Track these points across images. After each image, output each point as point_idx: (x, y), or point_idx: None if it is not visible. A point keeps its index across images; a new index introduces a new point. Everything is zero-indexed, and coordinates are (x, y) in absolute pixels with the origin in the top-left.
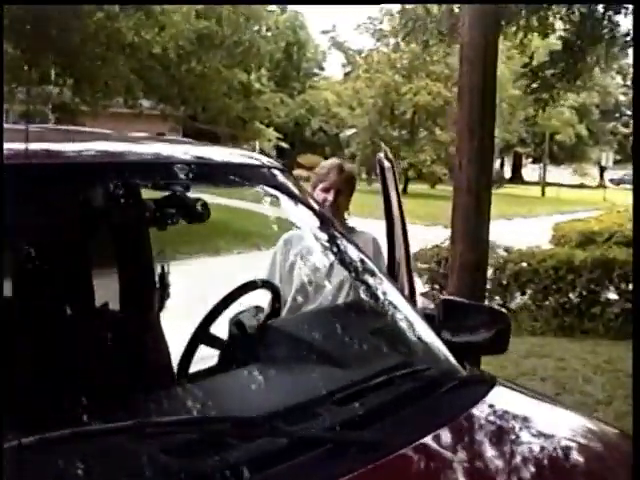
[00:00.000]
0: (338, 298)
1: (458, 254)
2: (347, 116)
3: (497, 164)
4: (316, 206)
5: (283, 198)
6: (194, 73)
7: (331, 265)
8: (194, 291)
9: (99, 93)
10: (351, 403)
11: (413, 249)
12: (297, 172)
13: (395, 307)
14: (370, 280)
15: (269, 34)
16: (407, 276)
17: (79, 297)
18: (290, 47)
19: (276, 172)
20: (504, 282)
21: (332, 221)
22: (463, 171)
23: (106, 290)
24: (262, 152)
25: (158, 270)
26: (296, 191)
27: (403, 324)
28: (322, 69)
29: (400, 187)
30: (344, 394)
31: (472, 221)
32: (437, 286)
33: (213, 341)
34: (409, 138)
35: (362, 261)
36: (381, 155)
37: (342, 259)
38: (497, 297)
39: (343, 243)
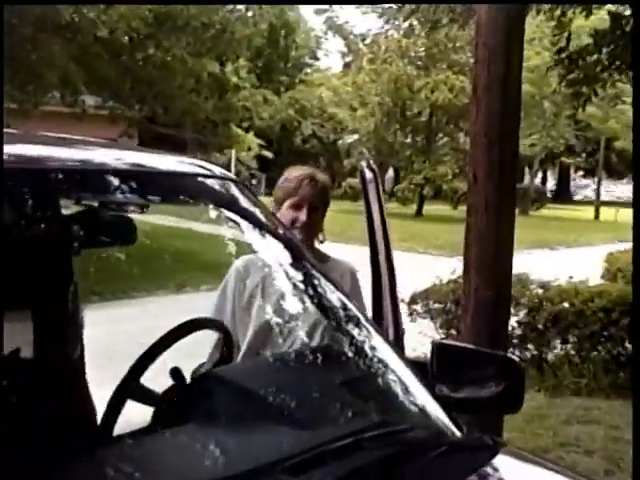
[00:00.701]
0: (309, 342)
1: (473, 289)
2: (347, 118)
3: (538, 179)
4: (280, 228)
5: (238, 217)
6: (152, 63)
7: (301, 301)
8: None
9: (29, 86)
10: (306, 473)
11: (426, 284)
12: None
13: (374, 353)
14: (343, 319)
15: (248, 14)
16: (392, 314)
17: None
18: (275, 31)
19: (230, 185)
20: (539, 326)
21: (300, 247)
22: (479, 186)
23: (16, 333)
24: (239, 162)
25: (84, 309)
26: (255, 209)
27: (383, 374)
28: (316, 59)
29: (412, 208)
30: (298, 461)
31: (490, 248)
32: (454, 331)
33: (144, 395)
34: (425, 146)
35: (336, 296)
36: (363, 164)
37: (313, 293)
38: (530, 346)
39: (314, 274)
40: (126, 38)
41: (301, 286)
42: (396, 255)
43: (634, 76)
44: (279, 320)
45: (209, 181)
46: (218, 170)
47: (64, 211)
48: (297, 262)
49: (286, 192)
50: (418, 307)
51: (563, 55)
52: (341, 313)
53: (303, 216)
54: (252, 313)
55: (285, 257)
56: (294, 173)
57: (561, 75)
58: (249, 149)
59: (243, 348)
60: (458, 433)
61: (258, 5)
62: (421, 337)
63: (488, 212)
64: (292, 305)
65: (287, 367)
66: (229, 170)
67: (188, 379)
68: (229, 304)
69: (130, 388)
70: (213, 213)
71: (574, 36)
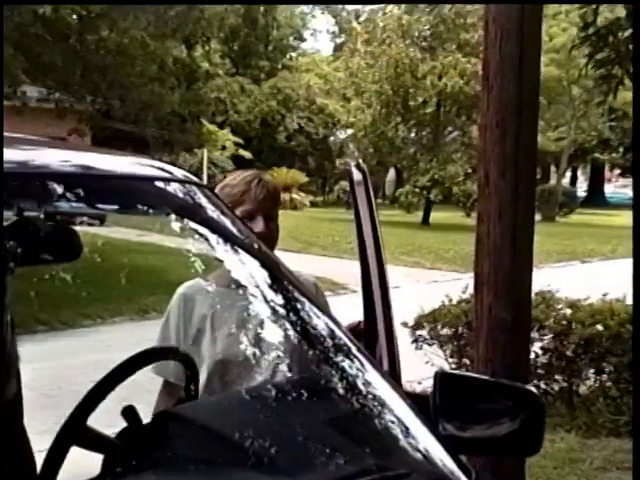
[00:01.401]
0: (283, 376)
1: (486, 310)
2: (339, 110)
3: (566, 179)
4: (254, 240)
5: (204, 229)
6: (105, 47)
7: (274, 328)
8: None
9: None
10: None
11: (434, 304)
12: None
13: (366, 386)
14: (329, 347)
15: None
16: (386, 340)
17: None
18: (253, 8)
19: (194, 190)
20: (569, 353)
21: (278, 262)
22: (491, 188)
23: None
24: (211, 164)
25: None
26: (224, 218)
27: (376, 410)
28: (302, 40)
29: (418, 215)
30: None
31: (506, 262)
32: (467, 360)
33: (92, 440)
34: (431, 142)
35: (320, 320)
36: (351, 164)
37: (293, 317)
38: (558, 376)
39: (294, 294)
40: (74, 17)
41: (278, 309)
42: (399, 271)
43: (634, 76)
44: (239, 355)
45: (171, 186)
46: (180, 173)
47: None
48: (275, 280)
49: (232, 200)
50: (424, 332)
51: (590, 31)
52: (327, 340)
53: (259, 226)
54: (202, 351)
55: (261, 274)
56: (237, 177)
57: (586, 56)
58: (224, 148)
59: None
60: (464, 479)
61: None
62: (428, 367)
63: (502, 219)
64: (261, 335)
65: (263, 403)
66: (200, 173)
67: (144, 419)
68: (173, 342)
69: (75, 432)
70: (177, 224)
71: (604, 8)
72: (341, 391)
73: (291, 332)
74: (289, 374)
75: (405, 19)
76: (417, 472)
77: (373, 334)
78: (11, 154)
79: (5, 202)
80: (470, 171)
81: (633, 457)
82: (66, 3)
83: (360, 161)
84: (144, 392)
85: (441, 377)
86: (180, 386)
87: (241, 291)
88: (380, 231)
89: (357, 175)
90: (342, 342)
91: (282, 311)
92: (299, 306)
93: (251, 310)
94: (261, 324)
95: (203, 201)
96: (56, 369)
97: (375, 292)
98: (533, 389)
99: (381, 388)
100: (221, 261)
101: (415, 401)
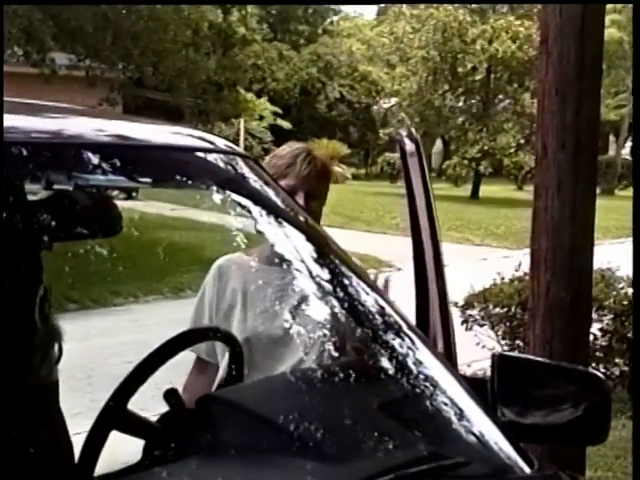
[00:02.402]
0: (318, 356)
1: (543, 289)
2: (383, 78)
3: (626, 149)
4: (302, 214)
5: (248, 201)
6: (137, 12)
7: (314, 307)
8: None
9: None
10: None
11: (484, 283)
12: None
13: (420, 369)
14: (379, 327)
15: None
16: (441, 321)
17: None
18: None
19: (237, 161)
20: (630, 335)
21: (327, 238)
22: (550, 160)
23: None
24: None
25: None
26: (269, 190)
27: (431, 395)
28: (343, 2)
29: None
30: None
31: (565, 238)
32: (520, 342)
33: (132, 424)
34: (481, 111)
35: (370, 297)
36: (402, 133)
37: (341, 294)
38: (618, 360)
39: (342, 270)
40: None
41: (323, 286)
42: (447, 248)
43: (634, 76)
44: (272, 334)
45: (211, 157)
46: (222, 143)
47: (30, 197)
48: (322, 256)
49: (276, 172)
50: (475, 312)
51: None
52: (377, 319)
53: (299, 203)
54: (232, 328)
55: (307, 250)
56: (286, 149)
57: None
58: (261, 118)
59: (220, 373)
60: (527, 468)
61: None
62: (479, 349)
63: (561, 193)
64: (301, 314)
65: (311, 387)
66: (237, 144)
67: (187, 403)
68: (206, 317)
69: (115, 416)
70: (217, 197)
71: None
72: (394, 373)
73: (337, 310)
74: (335, 354)
75: None
76: (476, 460)
77: (425, 314)
78: (41, 123)
79: (34, 174)
80: (522, 142)
81: (633, 457)
82: (67, 3)
83: (412, 129)
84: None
85: (499, 360)
86: (213, 364)
87: (282, 268)
88: (435, 206)
89: (409, 145)
90: (394, 322)
91: (327, 288)
92: (346, 282)
93: (291, 288)
94: (302, 302)
95: (247, 173)
96: (87, 350)
97: (429, 270)
98: (598, 373)
99: (436, 370)
100: (263, 236)
101: (471, 385)
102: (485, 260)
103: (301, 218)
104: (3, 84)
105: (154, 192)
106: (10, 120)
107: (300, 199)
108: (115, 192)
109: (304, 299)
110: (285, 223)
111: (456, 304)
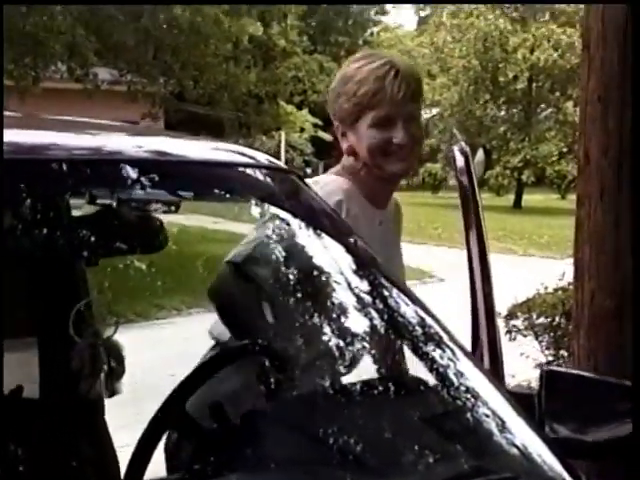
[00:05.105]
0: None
1: (587, 298)
2: (425, 88)
3: None
4: (345, 228)
5: (290, 216)
6: (179, 26)
7: (355, 323)
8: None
9: (27, 57)
10: None
11: (528, 293)
12: None
13: (465, 382)
14: (422, 340)
15: None
16: (488, 335)
17: None
18: None
19: (279, 176)
20: None
21: (370, 253)
22: (592, 168)
23: (18, 366)
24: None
25: (105, 332)
26: (312, 205)
27: (477, 410)
28: (384, 14)
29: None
30: None
31: (609, 247)
32: (565, 352)
33: (187, 427)
34: (523, 120)
35: (413, 311)
36: (455, 149)
37: (378, 314)
38: None
39: (385, 285)
40: None
41: (364, 298)
42: (490, 258)
43: (634, 76)
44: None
45: (253, 171)
46: (264, 158)
47: (74, 212)
48: (366, 271)
49: (361, 100)
50: (518, 322)
51: None
52: (419, 332)
53: (399, 136)
54: None
55: (351, 265)
56: (363, 66)
57: None
58: (302, 130)
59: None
60: None
61: None
62: (523, 360)
63: (604, 200)
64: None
65: (354, 401)
66: (278, 156)
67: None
68: None
69: (172, 416)
70: (258, 210)
71: None
72: (442, 388)
73: (378, 326)
74: (377, 368)
75: None
76: (523, 476)
77: (475, 325)
78: (85, 140)
79: (78, 190)
80: (565, 150)
81: (634, 452)
82: (70, 3)
83: (464, 145)
84: None
85: (548, 375)
86: None
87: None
88: (483, 218)
89: (460, 160)
90: (435, 333)
91: (367, 300)
92: (387, 294)
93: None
94: (344, 314)
95: (288, 187)
96: (131, 363)
97: (477, 281)
98: None
99: (482, 384)
100: (306, 249)
101: (517, 399)
102: (528, 269)
103: (342, 232)
104: (3, 85)
105: (195, 205)
106: (54, 137)
107: (399, 130)
108: (157, 205)
109: (346, 312)
110: (328, 236)
111: (499, 314)
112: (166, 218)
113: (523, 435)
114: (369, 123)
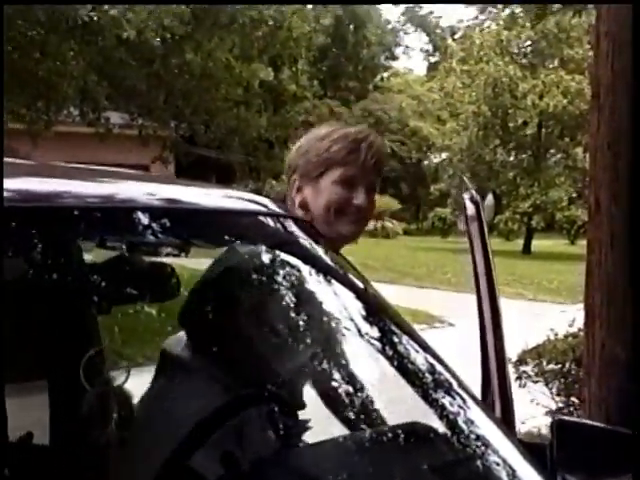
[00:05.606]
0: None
1: (598, 345)
2: (434, 133)
3: None
4: (354, 275)
5: (299, 262)
6: (190, 71)
7: (365, 367)
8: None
9: (39, 101)
10: None
11: (538, 339)
12: None
13: (475, 432)
14: (433, 388)
15: (308, 7)
16: (499, 384)
17: None
18: (342, 26)
19: (288, 224)
20: None
21: (379, 298)
22: (603, 214)
23: (28, 410)
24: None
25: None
26: (320, 252)
27: (488, 458)
28: (394, 59)
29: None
30: None
31: (619, 293)
32: (576, 399)
33: None
34: (533, 165)
35: (423, 358)
36: (466, 197)
37: (388, 358)
38: None
39: (395, 332)
40: (157, 40)
41: (375, 344)
42: (500, 303)
43: (633, 76)
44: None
45: (262, 219)
46: (274, 206)
47: (87, 258)
48: (376, 318)
49: (334, 156)
50: (528, 369)
51: None
52: (429, 380)
53: (360, 199)
54: None
55: (361, 312)
56: (339, 129)
57: None
58: None
59: None
60: None
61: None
62: (533, 406)
63: (615, 248)
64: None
65: (367, 451)
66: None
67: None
68: None
69: (173, 473)
70: (268, 257)
71: None
72: (452, 438)
73: (389, 371)
74: (388, 416)
75: (504, 35)
76: None
77: (486, 371)
78: (96, 187)
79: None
80: (575, 196)
81: (634, 455)
82: (70, 3)
83: (474, 192)
84: None
85: (559, 425)
86: None
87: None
88: (494, 265)
89: (470, 208)
90: (445, 380)
91: (378, 347)
92: (397, 341)
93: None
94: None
95: (296, 234)
96: None
97: (487, 326)
98: None
99: (492, 432)
100: (315, 295)
101: (528, 450)
102: (538, 315)
103: (352, 279)
104: (3, 85)
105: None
106: (65, 184)
107: (361, 194)
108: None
109: (355, 357)
110: (338, 282)
111: (509, 360)
112: (176, 262)
113: None
114: (335, 179)
